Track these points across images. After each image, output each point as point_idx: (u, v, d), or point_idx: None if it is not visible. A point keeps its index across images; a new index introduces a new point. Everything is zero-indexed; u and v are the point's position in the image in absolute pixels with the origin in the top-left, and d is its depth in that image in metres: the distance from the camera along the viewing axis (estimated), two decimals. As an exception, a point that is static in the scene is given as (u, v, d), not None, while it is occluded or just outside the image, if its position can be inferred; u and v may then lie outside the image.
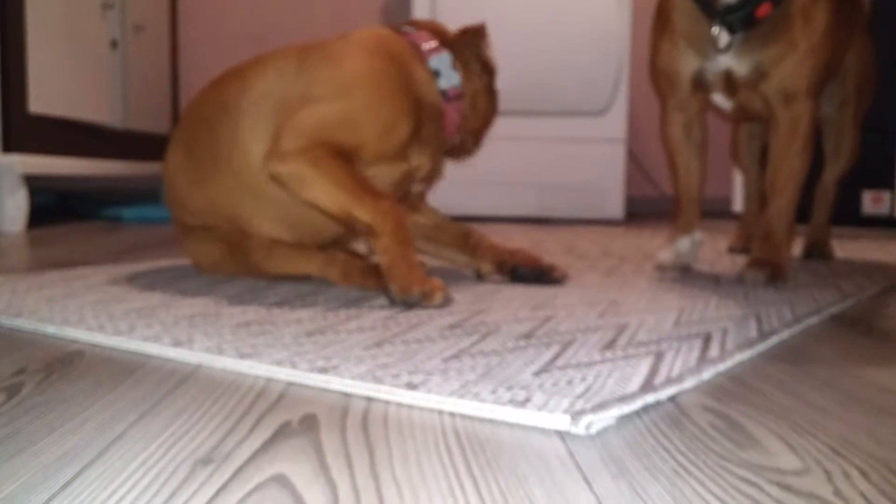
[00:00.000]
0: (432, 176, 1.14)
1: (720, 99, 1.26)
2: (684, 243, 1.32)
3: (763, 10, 1.13)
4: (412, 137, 1.05)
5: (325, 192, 0.95)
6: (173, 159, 1.13)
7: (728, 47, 1.16)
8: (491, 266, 1.15)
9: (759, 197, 1.59)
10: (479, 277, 1.17)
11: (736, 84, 1.20)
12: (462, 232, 1.17)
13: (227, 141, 1.06)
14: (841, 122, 1.46)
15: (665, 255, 1.33)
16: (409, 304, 0.91)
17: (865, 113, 1.49)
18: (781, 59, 1.15)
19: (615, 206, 2.72)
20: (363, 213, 0.94)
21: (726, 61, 1.18)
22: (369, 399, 0.58)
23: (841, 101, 1.44)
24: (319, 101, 1.00)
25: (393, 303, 0.92)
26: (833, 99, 1.44)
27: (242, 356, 0.67)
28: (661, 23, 1.25)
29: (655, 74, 1.29)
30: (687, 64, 1.22)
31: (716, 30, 1.15)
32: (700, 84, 1.23)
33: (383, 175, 1.04)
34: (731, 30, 1.15)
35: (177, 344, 0.71)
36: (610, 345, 0.73)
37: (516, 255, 1.15)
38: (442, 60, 1.11)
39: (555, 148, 2.72)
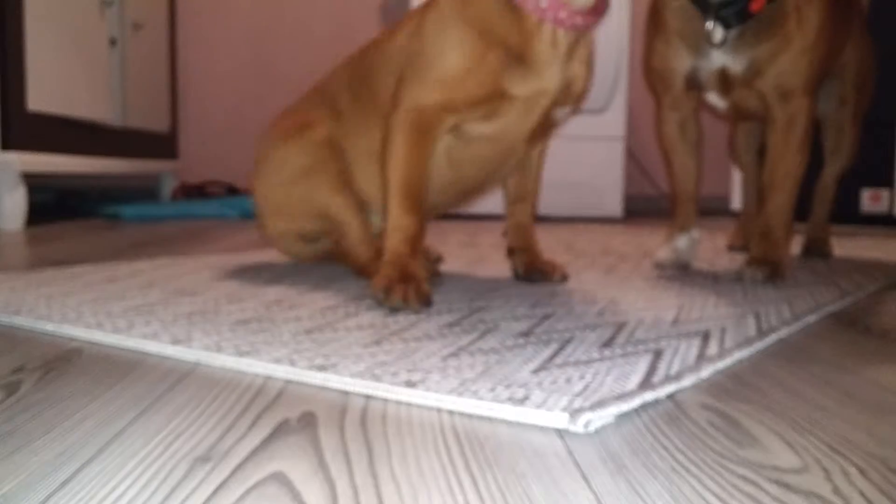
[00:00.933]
0: (575, 90, 1.01)
1: (714, 98, 1.25)
2: (682, 241, 1.32)
3: (757, 4, 1.13)
4: (501, 70, 0.94)
5: (388, 165, 0.96)
6: (324, 121, 1.13)
7: (723, 43, 1.16)
8: (509, 242, 1.16)
9: (758, 195, 1.59)
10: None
11: (731, 82, 1.19)
12: (522, 195, 1.16)
13: (377, 99, 1.07)
14: (840, 120, 1.46)
15: (663, 254, 1.33)
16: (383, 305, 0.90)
17: (865, 111, 1.49)
18: (777, 56, 1.15)
19: (614, 204, 2.72)
20: (390, 210, 0.95)
21: (721, 59, 1.17)
22: (368, 397, 0.58)
23: (840, 98, 1.44)
24: (412, 64, 0.99)
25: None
26: (832, 97, 1.44)
27: (241, 354, 0.67)
28: (655, 21, 1.25)
29: (649, 73, 1.29)
30: (681, 62, 1.22)
31: (710, 25, 1.15)
32: (694, 83, 1.23)
33: (488, 122, 0.98)
34: (726, 25, 1.14)
35: (175, 342, 0.71)
36: (608, 343, 0.73)
37: (524, 253, 1.15)
38: None
39: (553, 145, 2.70)
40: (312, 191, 1.11)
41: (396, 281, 0.90)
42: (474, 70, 0.94)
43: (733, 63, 1.17)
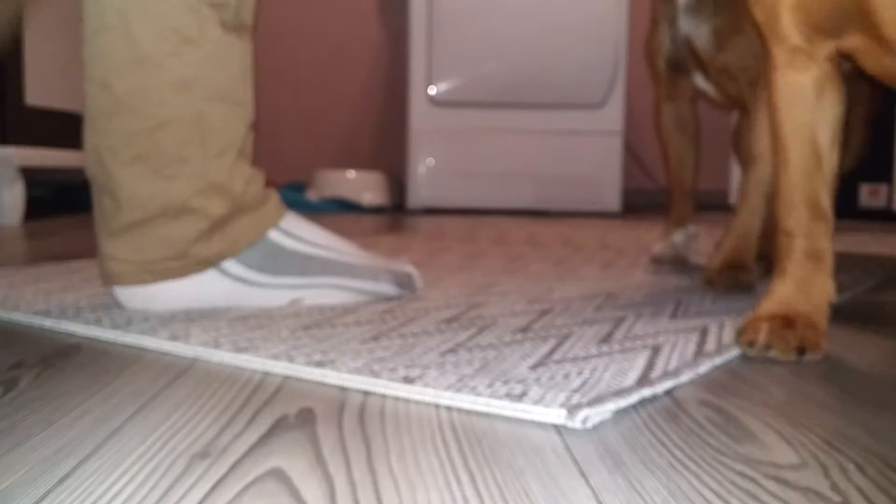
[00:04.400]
0: None
1: (701, 82, 1.23)
2: (679, 237, 1.32)
3: None
4: None
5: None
6: None
7: (687, 7, 1.14)
8: None
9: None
10: None
11: (700, 58, 1.17)
12: None
13: None
14: (852, 121, 1.45)
15: (659, 249, 1.33)
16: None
17: (876, 112, 1.48)
18: (737, 31, 1.10)
19: (612, 199, 2.72)
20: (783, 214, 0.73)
21: (686, 26, 1.16)
22: (366, 393, 0.58)
23: (854, 99, 1.43)
24: None
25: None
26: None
27: (239, 350, 0.67)
28: (652, 5, 1.25)
29: (646, 61, 1.29)
30: (662, 41, 1.21)
31: None
32: (675, 63, 1.22)
33: None
34: None
35: (174, 338, 0.71)
36: (607, 338, 0.73)
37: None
38: None
39: (552, 140, 2.72)
40: None
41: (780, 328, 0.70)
42: None
43: (696, 32, 1.15)
